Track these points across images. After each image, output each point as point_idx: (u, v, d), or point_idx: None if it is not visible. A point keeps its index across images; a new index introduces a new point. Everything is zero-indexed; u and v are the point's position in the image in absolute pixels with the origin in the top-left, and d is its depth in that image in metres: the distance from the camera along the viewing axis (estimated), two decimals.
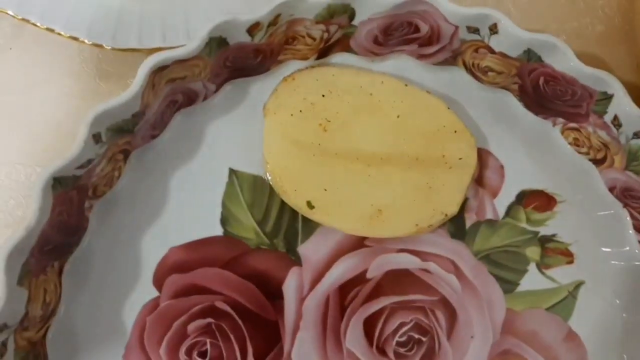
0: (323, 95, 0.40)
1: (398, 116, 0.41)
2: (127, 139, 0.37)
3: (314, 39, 0.40)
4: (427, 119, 0.41)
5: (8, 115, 0.41)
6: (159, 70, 0.36)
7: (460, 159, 0.41)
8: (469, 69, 0.43)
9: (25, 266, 0.34)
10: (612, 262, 0.42)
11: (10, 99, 0.41)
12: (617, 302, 0.41)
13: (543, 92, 0.41)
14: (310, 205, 0.39)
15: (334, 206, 0.39)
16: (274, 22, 0.38)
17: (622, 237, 0.42)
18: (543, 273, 0.41)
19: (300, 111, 0.40)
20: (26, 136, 0.41)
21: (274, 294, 0.40)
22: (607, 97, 0.39)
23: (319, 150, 0.39)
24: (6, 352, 0.33)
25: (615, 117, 0.40)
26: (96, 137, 0.35)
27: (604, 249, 0.42)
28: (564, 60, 0.39)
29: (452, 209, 0.40)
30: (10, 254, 0.32)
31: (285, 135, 0.39)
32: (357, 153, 0.40)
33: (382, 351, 0.40)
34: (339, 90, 0.40)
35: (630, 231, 0.42)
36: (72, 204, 0.36)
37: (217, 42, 0.37)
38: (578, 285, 0.41)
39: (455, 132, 0.41)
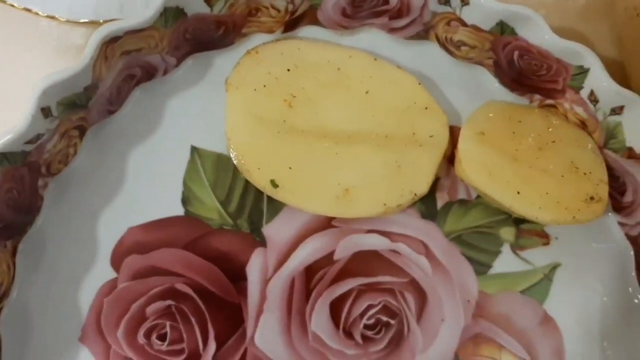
0: (288, 70, 0.39)
1: (367, 92, 0.39)
2: (82, 115, 0.36)
3: (278, 11, 0.39)
4: (397, 95, 0.39)
5: None
6: (112, 41, 0.34)
7: (431, 136, 0.39)
8: (441, 44, 0.41)
9: None
10: (592, 244, 0.40)
11: None
12: (597, 285, 0.40)
13: (518, 67, 0.40)
14: (274, 184, 0.37)
15: (300, 185, 0.38)
16: None
17: (601, 219, 0.40)
18: (517, 254, 0.40)
19: (264, 86, 0.38)
20: None
21: (237, 276, 0.39)
22: (583, 72, 0.38)
23: (284, 127, 0.38)
24: None
25: (592, 93, 0.38)
26: (45, 111, 0.33)
27: (582, 230, 0.40)
28: (538, 33, 0.37)
29: (422, 189, 0.39)
30: None
31: (248, 111, 0.38)
32: (324, 130, 0.38)
33: (349, 334, 0.39)
34: (305, 65, 0.39)
35: (610, 213, 0.40)
36: (24, 182, 0.35)
37: (173, 13, 0.35)
38: (554, 267, 0.40)
39: (427, 108, 0.39)
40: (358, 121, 0.39)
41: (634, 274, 0.40)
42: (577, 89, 0.38)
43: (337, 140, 0.38)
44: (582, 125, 0.40)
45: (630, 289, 0.40)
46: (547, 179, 0.38)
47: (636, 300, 0.40)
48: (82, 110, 0.36)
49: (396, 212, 0.39)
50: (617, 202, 0.40)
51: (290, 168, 0.37)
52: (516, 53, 0.39)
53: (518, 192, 0.37)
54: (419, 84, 0.39)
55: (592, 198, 0.37)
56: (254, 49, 0.39)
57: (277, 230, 0.39)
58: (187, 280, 0.38)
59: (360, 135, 0.39)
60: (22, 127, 0.32)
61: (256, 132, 0.38)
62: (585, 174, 0.38)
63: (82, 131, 0.37)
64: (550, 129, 0.39)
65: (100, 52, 0.34)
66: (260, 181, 0.37)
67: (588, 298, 0.40)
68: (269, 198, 0.39)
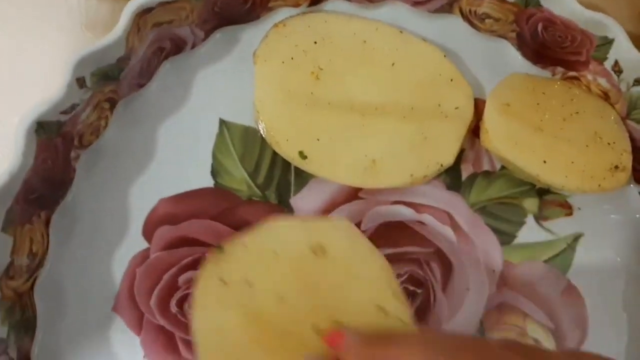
0: (315, 43, 0.39)
1: (393, 64, 0.39)
2: (113, 87, 0.36)
3: None
4: (422, 67, 0.40)
5: None
6: (144, 12, 0.35)
7: (456, 108, 0.40)
8: (465, 17, 0.41)
9: (9, 213, 0.33)
10: (612, 215, 0.41)
11: None
12: (619, 255, 0.40)
13: (542, 39, 0.40)
14: (302, 155, 0.38)
15: (327, 157, 0.38)
16: None
17: (623, 190, 0.41)
18: (541, 225, 0.41)
19: (292, 59, 0.39)
20: (10, 89, 0.40)
21: None
22: (608, 42, 0.38)
23: (311, 99, 0.38)
24: None
25: (616, 63, 0.38)
26: (80, 82, 0.34)
27: (603, 201, 0.41)
28: (563, 4, 0.38)
29: (448, 160, 0.39)
30: None
31: (276, 83, 0.38)
32: (350, 102, 0.39)
33: None
34: (332, 38, 0.39)
35: (632, 184, 0.41)
36: (57, 153, 0.35)
37: None
38: (577, 237, 0.41)
39: (452, 80, 0.40)
40: (384, 93, 0.39)
41: None
42: (601, 60, 0.39)
43: (364, 112, 0.39)
44: (605, 96, 0.40)
45: None
46: (572, 149, 0.38)
47: None
48: (114, 82, 0.36)
49: (422, 183, 0.40)
50: (639, 173, 0.41)
51: (318, 140, 0.38)
52: (540, 25, 0.39)
53: (544, 161, 0.37)
54: (445, 56, 0.40)
55: (616, 167, 0.38)
56: (281, 22, 0.39)
57: (304, 202, 0.40)
58: None
59: (387, 107, 0.39)
60: (58, 96, 0.33)
61: (284, 104, 0.38)
62: (609, 144, 0.39)
63: (112, 104, 0.38)
64: (573, 100, 0.40)
65: (133, 24, 0.34)
66: (289, 153, 0.38)
67: (610, 268, 0.40)
68: (297, 170, 0.40)
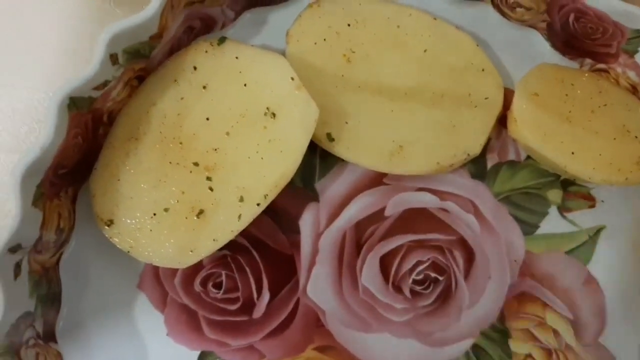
0: (348, 25, 0.39)
1: (425, 51, 0.39)
2: (143, 65, 0.36)
3: None
4: (454, 55, 0.40)
5: (20, 39, 0.40)
6: None
7: (486, 98, 0.39)
8: (496, 5, 0.41)
9: (39, 188, 0.33)
10: (635, 209, 0.41)
11: (23, 22, 0.40)
12: (639, 249, 0.41)
13: (572, 30, 0.40)
14: (330, 137, 0.38)
15: (355, 140, 0.38)
16: None
17: None
18: (564, 216, 0.41)
19: (325, 40, 0.38)
20: (40, 61, 0.40)
21: (290, 229, 0.39)
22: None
23: (342, 81, 0.38)
24: (20, 273, 0.33)
25: None
26: (113, 58, 0.33)
27: (627, 195, 0.41)
28: None
29: (475, 149, 0.39)
30: (25, 173, 0.31)
31: (307, 64, 0.38)
32: (380, 87, 0.39)
33: (398, 289, 0.39)
34: (365, 21, 0.39)
35: None
36: (87, 129, 0.35)
37: None
38: (599, 230, 0.41)
39: (483, 70, 0.40)
40: (415, 79, 0.39)
41: None
42: (632, 53, 0.39)
43: (393, 97, 0.39)
44: (633, 90, 0.40)
45: None
46: (600, 141, 0.38)
47: None
48: (145, 60, 0.36)
49: (448, 172, 0.40)
50: None
51: (346, 123, 0.38)
52: (572, 15, 0.39)
53: (572, 153, 0.37)
54: (477, 45, 0.40)
55: None
56: (316, 2, 0.39)
57: (329, 186, 0.40)
58: (242, 232, 0.39)
59: (416, 93, 0.39)
60: (91, 72, 0.33)
61: (314, 86, 0.38)
62: (636, 137, 0.39)
63: (141, 81, 0.37)
64: (601, 93, 0.40)
65: (167, 1, 0.34)
66: (317, 134, 0.38)
67: (631, 261, 0.41)
68: (322, 154, 0.40)
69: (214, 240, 0.34)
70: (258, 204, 0.34)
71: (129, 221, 0.34)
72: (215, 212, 0.34)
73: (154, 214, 0.34)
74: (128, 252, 0.35)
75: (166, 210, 0.34)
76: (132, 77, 0.36)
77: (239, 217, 0.34)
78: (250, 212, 0.34)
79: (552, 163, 0.38)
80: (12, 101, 0.40)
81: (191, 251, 0.34)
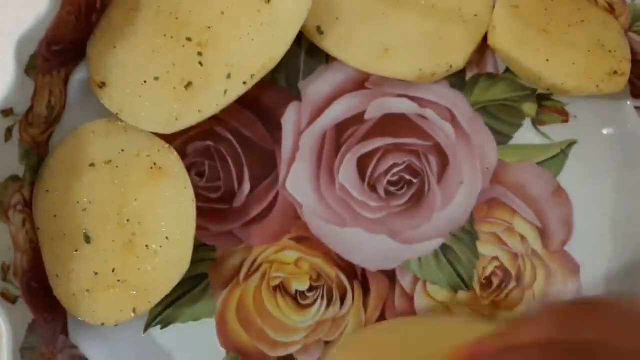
0: None
1: None
2: None
3: None
4: None
5: None
6: None
7: (475, 15, 0.41)
8: None
9: (33, 59, 0.34)
10: (607, 127, 0.42)
11: None
12: (609, 165, 0.42)
13: None
14: (320, 30, 0.39)
15: (344, 37, 0.39)
16: None
17: (619, 103, 0.42)
18: (537, 129, 0.42)
19: None
20: None
21: (273, 126, 0.41)
22: None
23: None
24: (12, 138, 0.35)
25: None
26: None
27: (600, 113, 0.42)
28: None
29: (458, 62, 0.40)
30: (20, 40, 0.33)
31: None
32: None
33: (373, 188, 0.41)
34: None
35: (629, 102, 0.42)
36: (81, 11, 0.37)
37: None
38: (571, 144, 0.42)
39: None
40: None
41: None
42: None
43: (387, 1, 0.40)
44: (610, 9, 0.42)
45: (639, 173, 0.42)
46: (575, 52, 0.39)
47: None
48: None
49: (429, 81, 0.41)
50: (636, 87, 0.42)
51: (337, 18, 0.39)
52: None
53: (547, 60, 0.39)
54: None
55: (615, 72, 0.39)
56: None
57: (312, 87, 0.41)
58: (226, 125, 0.40)
59: (409, 0, 0.40)
60: None
61: None
62: (610, 51, 0.40)
63: None
64: (579, 10, 0.41)
65: None
66: (307, 25, 0.38)
67: (600, 176, 0.42)
68: (307, 55, 0.41)
69: (199, 111, 0.36)
70: (244, 83, 0.36)
71: (120, 86, 0.36)
72: (203, 85, 0.36)
73: (145, 82, 0.36)
74: (117, 114, 0.36)
75: (156, 79, 0.36)
76: None
77: (225, 92, 0.36)
78: (236, 89, 0.36)
79: (528, 72, 0.39)
80: None
81: (176, 119, 0.36)
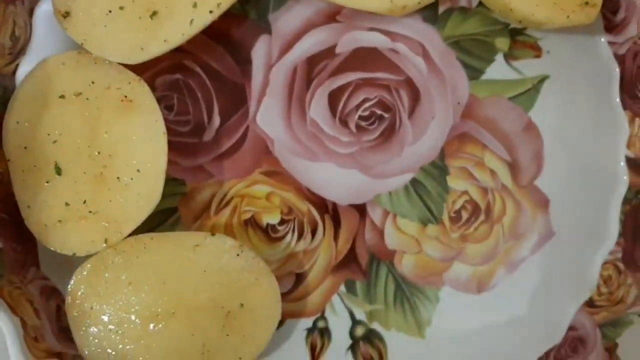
0: None
1: None
2: None
3: None
4: None
5: None
6: None
7: None
8: None
9: None
10: (581, 61, 0.42)
11: None
12: (581, 101, 0.42)
13: None
14: None
15: None
16: None
17: (592, 38, 0.42)
18: (509, 64, 0.42)
19: None
20: None
21: (243, 59, 0.41)
22: None
23: None
24: None
25: None
26: None
27: (573, 48, 0.42)
28: None
29: None
30: None
31: None
32: None
33: (344, 123, 0.41)
34: None
35: (602, 38, 0.42)
36: None
37: None
38: (543, 79, 0.42)
39: None
40: None
41: (617, 99, 0.42)
42: None
43: None
44: None
45: (611, 108, 0.42)
46: None
47: (617, 118, 0.42)
48: None
49: (401, 14, 0.40)
50: (609, 21, 0.42)
51: None
52: None
53: None
54: None
55: (586, 3, 0.39)
56: None
57: (282, 19, 0.41)
58: (195, 58, 0.40)
59: None
60: None
61: None
62: None
63: None
64: None
65: None
66: None
67: (571, 112, 0.42)
68: None
69: (164, 41, 0.36)
70: (211, 12, 0.35)
71: (85, 15, 0.36)
72: (168, 14, 0.36)
73: (110, 11, 0.36)
74: (82, 44, 0.36)
75: (122, 8, 0.36)
76: None
77: (191, 22, 0.35)
78: (203, 18, 0.36)
79: (499, 3, 0.39)
80: None
81: (142, 49, 0.36)
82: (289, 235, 0.41)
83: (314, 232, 0.41)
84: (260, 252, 0.40)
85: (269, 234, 0.41)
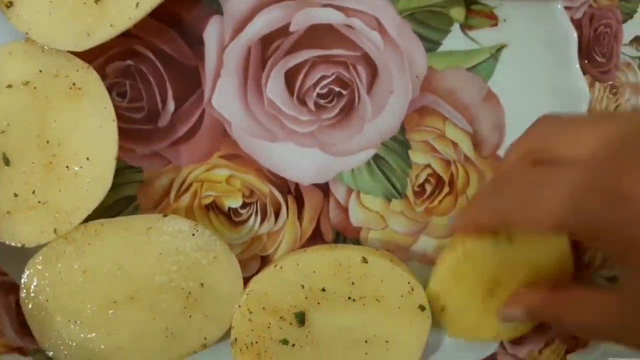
0: None
1: None
2: None
3: None
4: None
5: None
6: None
7: None
8: None
9: None
10: (538, 28, 0.42)
11: None
12: (540, 69, 0.42)
13: None
14: None
15: None
16: None
17: (547, 4, 0.41)
18: (466, 34, 0.42)
19: None
20: None
21: (195, 41, 0.40)
22: None
23: None
24: None
25: None
26: None
27: (529, 16, 0.42)
28: None
29: None
30: None
31: None
32: None
33: (302, 102, 0.41)
34: None
35: (559, 5, 0.42)
36: None
37: None
38: (500, 48, 0.42)
39: None
40: None
41: (577, 65, 0.42)
42: None
43: None
44: None
45: (571, 74, 0.42)
46: None
47: (578, 84, 0.42)
48: None
49: None
50: None
51: None
52: None
53: None
54: None
55: None
56: None
57: None
58: (145, 43, 0.39)
59: None
60: None
61: None
62: None
63: None
64: None
65: None
66: None
67: (530, 79, 0.42)
68: None
69: (111, 25, 0.35)
70: None
71: (28, 4, 0.35)
72: None
73: None
74: (26, 33, 0.35)
75: None
76: None
77: (137, 4, 0.35)
78: (149, 0, 0.35)
79: None
80: None
81: (88, 35, 0.35)
82: (252, 218, 0.40)
83: (277, 214, 0.40)
84: (224, 236, 0.40)
85: (231, 218, 0.40)
